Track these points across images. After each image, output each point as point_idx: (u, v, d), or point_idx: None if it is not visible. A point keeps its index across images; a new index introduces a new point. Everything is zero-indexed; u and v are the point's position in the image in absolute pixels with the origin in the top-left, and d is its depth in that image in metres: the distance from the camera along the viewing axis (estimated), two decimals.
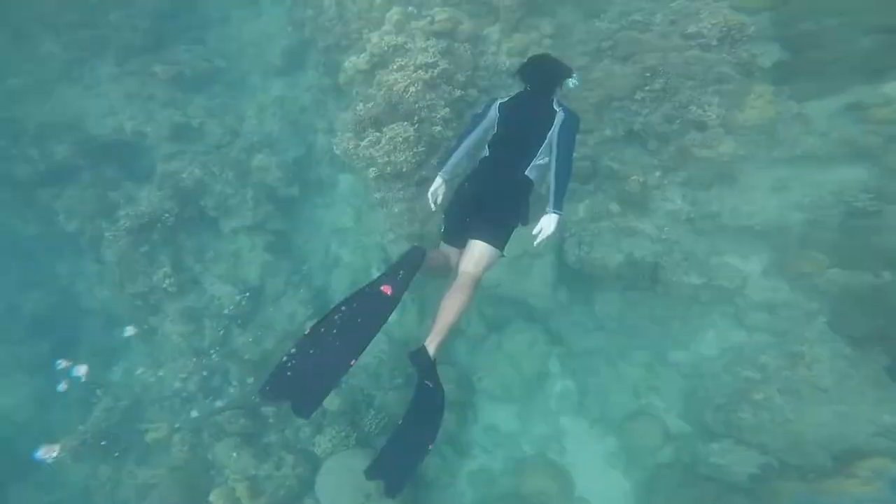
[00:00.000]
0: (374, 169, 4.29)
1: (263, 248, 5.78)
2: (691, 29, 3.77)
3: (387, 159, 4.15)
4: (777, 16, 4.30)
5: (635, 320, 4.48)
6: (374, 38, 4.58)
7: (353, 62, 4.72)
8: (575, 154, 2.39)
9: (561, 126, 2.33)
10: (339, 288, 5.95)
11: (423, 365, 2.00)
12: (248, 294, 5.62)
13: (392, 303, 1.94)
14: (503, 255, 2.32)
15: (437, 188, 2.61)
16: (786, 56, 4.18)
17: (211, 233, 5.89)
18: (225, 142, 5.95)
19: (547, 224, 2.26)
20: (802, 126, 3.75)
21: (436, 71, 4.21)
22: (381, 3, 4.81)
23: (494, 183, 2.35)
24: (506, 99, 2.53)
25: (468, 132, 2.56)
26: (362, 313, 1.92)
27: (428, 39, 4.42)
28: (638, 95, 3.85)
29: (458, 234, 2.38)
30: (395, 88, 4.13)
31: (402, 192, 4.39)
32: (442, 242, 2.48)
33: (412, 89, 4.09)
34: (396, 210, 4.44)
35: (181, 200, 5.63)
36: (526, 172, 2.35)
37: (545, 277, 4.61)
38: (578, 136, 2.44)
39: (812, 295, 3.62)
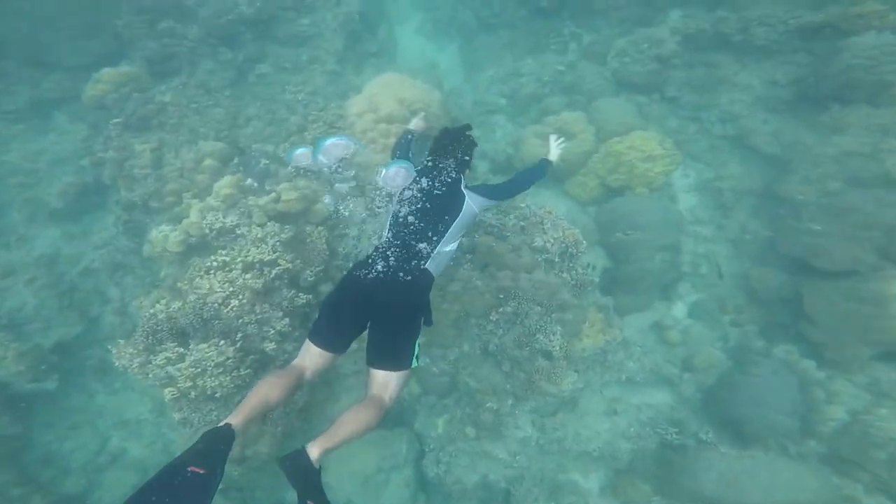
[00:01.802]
0: (172, 390, 3.19)
1: None
2: (538, 241, 3.92)
3: (191, 383, 3.14)
4: (600, 214, 4.91)
5: None
6: (194, 213, 3.60)
7: (164, 235, 3.63)
8: None
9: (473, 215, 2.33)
10: (118, 492, 4.42)
11: (303, 473, 1.54)
12: None
13: (210, 482, 1.46)
14: (412, 368, 2.07)
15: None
16: (609, 264, 4.76)
17: None
18: None
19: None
20: (625, 351, 4.19)
21: (273, 273, 3.43)
22: (212, 165, 3.90)
23: (392, 285, 2.05)
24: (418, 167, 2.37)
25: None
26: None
27: (268, 223, 3.64)
28: (493, 316, 3.80)
29: (337, 337, 2.04)
30: (209, 300, 3.21)
31: (215, 414, 3.34)
32: (308, 342, 2.04)
33: (234, 302, 3.23)
34: None
35: None
36: (426, 265, 2.14)
37: (402, 494, 4.12)
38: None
39: None
